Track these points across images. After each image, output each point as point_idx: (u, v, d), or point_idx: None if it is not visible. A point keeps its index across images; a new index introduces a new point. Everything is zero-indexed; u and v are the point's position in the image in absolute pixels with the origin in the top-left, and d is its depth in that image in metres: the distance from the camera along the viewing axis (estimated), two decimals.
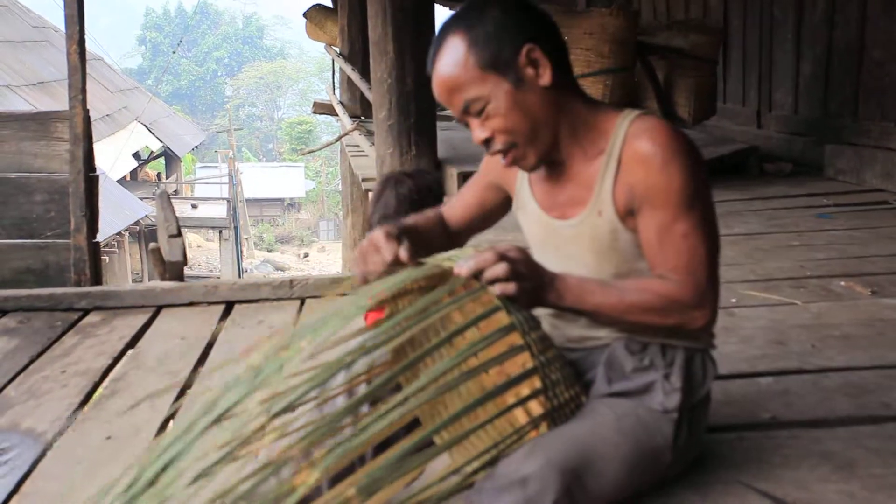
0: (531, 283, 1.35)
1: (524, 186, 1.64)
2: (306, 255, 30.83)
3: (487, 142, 1.48)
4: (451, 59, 1.43)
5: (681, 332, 1.50)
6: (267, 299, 3.41)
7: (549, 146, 1.50)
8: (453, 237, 1.79)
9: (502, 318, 1.29)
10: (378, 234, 1.45)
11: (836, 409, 1.98)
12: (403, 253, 1.41)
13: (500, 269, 1.31)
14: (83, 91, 4.15)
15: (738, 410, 1.97)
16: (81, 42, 4.18)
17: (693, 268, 1.44)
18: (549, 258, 1.53)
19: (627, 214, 1.48)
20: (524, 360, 1.30)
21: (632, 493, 1.49)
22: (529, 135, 1.46)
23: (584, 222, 1.52)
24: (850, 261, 3.41)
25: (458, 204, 1.80)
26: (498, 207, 1.77)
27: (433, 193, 2.13)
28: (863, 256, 3.47)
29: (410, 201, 2.12)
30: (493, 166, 1.71)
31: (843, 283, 3.07)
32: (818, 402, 2.02)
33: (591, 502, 1.39)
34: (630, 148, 1.45)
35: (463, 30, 1.43)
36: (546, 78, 1.44)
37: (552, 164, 1.56)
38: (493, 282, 1.32)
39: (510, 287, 1.31)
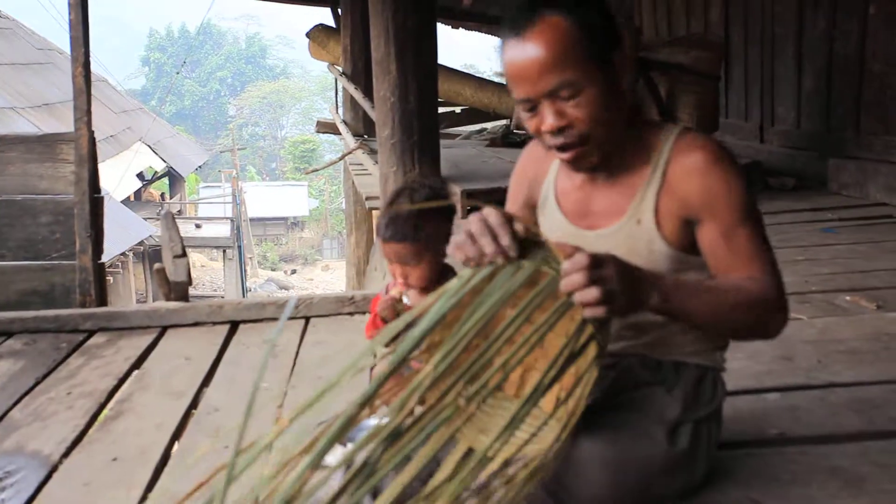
0: (625, 299, 1.26)
1: (550, 196, 1.64)
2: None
3: (560, 131, 1.43)
4: (556, 38, 1.39)
5: (762, 332, 1.47)
6: (272, 318, 3.41)
7: (613, 149, 1.49)
8: None
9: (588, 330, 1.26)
10: (493, 216, 1.29)
11: (844, 425, 1.97)
12: (521, 227, 1.29)
13: (592, 294, 1.22)
14: (88, 113, 4.17)
15: (746, 427, 1.97)
16: (87, 64, 4.20)
17: (768, 268, 1.45)
18: None
19: (677, 227, 1.48)
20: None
21: (634, 501, 1.48)
22: (605, 132, 1.45)
23: (621, 231, 1.52)
24: (855, 275, 3.40)
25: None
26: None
27: (448, 204, 2.11)
28: (867, 271, 3.46)
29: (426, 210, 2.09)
30: (520, 184, 1.71)
31: (848, 298, 3.07)
32: (826, 418, 2.01)
33: None
34: (681, 161, 1.47)
35: (570, 13, 1.40)
36: (625, 83, 1.46)
37: (591, 172, 1.56)
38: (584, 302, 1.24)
39: (600, 311, 1.23)
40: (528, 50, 1.40)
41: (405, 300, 2.00)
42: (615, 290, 1.24)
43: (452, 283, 1.25)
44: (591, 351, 1.25)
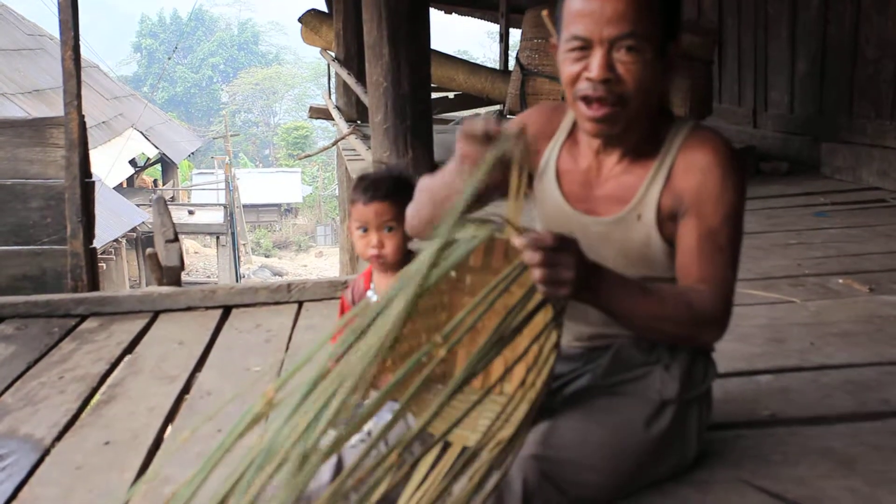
0: (573, 288, 1.27)
1: (549, 171, 1.61)
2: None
3: (604, 82, 1.40)
4: None
5: (689, 342, 1.51)
6: (265, 303, 3.40)
7: (636, 126, 1.47)
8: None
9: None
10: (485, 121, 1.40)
11: (835, 406, 1.97)
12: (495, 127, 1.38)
13: (544, 275, 1.24)
14: (78, 97, 4.14)
15: (738, 408, 1.97)
16: (76, 48, 4.17)
17: (722, 283, 1.46)
18: None
19: (668, 220, 1.48)
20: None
21: (627, 487, 1.50)
22: (641, 103, 1.43)
23: (620, 223, 1.51)
24: (848, 258, 3.41)
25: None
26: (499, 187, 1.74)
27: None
28: (860, 254, 3.47)
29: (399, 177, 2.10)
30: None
31: (840, 281, 3.07)
32: (818, 400, 2.01)
33: (578, 490, 1.41)
34: (687, 156, 1.46)
35: None
36: (674, 71, 1.46)
37: (598, 154, 1.54)
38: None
39: (547, 290, 1.25)
40: None
41: (373, 297, 2.00)
42: (566, 279, 1.26)
43: (416, 262, 1.25)
44: (545, 315, 1.26)
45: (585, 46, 1.40)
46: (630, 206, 1.50)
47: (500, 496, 1.33)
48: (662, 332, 1.45)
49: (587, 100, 1.42)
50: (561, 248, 1.25)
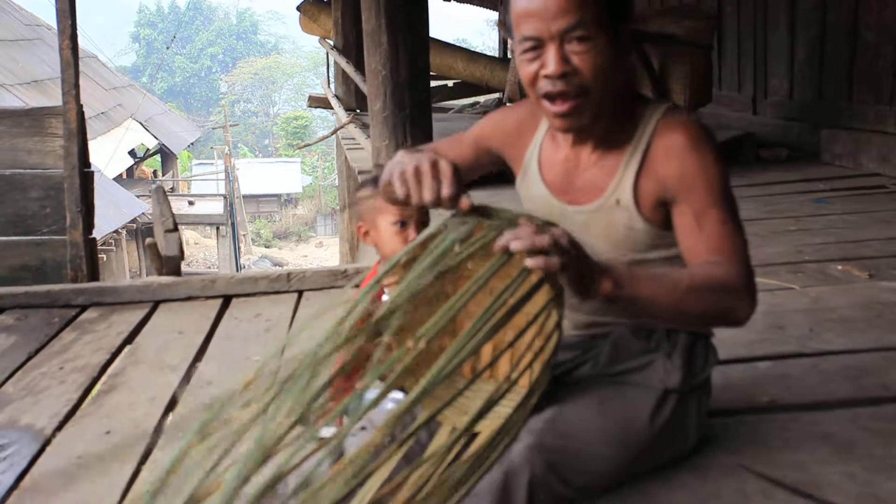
0: (574, 268, 1.21)
1: (532, 165, 1.61)
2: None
3: (562, 76, 1.39)
4: None
5: (727, 318, 1.40)
6: (265, 293, 3.41)
7: (604, 114, 1.46)
8: None
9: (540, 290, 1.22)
10: (443, 163, 1.33)
11: (835, 392, 1.98)
12: (466, 201, 1.28)
13: (545, 240, 1.17)
14: (76, 86, 4.13)
15: (738, 394, 1.97)
16: (74, 37, 4.15)
17: (735, 252, 1.42)
18: None
19: (655, 206, 1.47)
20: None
21: (628, 474, 1.51)
22: (604, 90, 1.42)
23: (601, 209, 1.51)
24: (847, 245, 3.41)
25: (449, 155, 1.59)
26: (484, 171, 1.74)
27: None
28: (860, 240, 3.47)
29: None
30: (500, 134, 1.67)
31: (840, 267, 3.07)
32: (817, 385, 2.02)
33: (582, 480, 1.42)
34: (662, 142, 1.45)
35: None
36: (630, 50, 1.46)
37: (574, 145, 1.54)
38: (533, 253, 1.18)
39: (554, 261, 1.17)
40: None
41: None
42: (569, 250, 1.20)
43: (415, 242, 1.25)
44: (543, 296, 1.21)
45: (538, 45, 1.40)
46: (608, 192, 1.49)
47: (505, 489, 1.34)
48: (693, 313, 1.37)
49: (549, 97, 1.42)
50: (562, 237, 1.21)
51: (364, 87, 5.55)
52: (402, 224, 1.91)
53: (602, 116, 1.47)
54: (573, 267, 1.20)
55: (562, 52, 1.38)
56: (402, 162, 1.37)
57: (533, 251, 1.17)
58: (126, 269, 15.91)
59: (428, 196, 1.30)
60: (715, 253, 1.41)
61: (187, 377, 2.64)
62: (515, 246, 1.17)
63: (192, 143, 24.98)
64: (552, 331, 1.24)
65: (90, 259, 4.13)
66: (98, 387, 2.62)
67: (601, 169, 1.51)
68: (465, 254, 1.21)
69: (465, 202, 1.28)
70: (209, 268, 22.79)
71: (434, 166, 1.32)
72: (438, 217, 1.32)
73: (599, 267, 1.26)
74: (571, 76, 1.39)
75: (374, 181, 1.95)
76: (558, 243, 1.18)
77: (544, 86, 1.41)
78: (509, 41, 1.48)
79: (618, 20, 1.41)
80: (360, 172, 5.59)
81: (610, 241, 1.51)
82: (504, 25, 1.50)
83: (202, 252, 25.21)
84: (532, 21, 1.39)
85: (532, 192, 1.62)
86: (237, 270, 21.15)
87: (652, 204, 1.47)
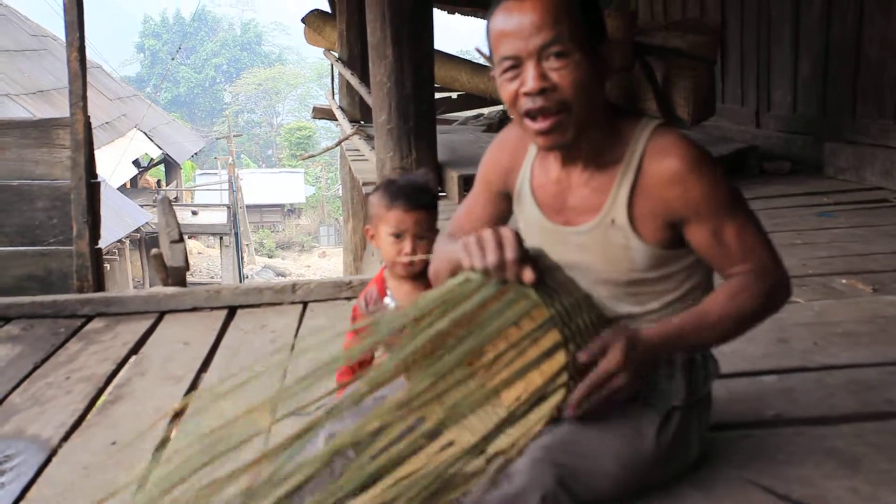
0: (635, 380, 1.40)
1: (525, 188, 1.62)
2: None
3: (541, 92, 1.40)
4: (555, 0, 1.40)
5: (770, 314, 1.55)
6: (269, 304, 3.41)
7: (587, 129, 1.46)
8: None
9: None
10: (505, 230, 1.37)
11: (839, 406, 1.98)
12: (530, 274, 1.34)
13: (619, 382, 1.38)
14: (84, 97, 4.15)
15: (743, 408, 1.98)
16: (82, 49, 4.18)
17: (759, 253, 1.50)
18: None
19: (658, 228, 1.48)
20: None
21: (635, 490, 1.51)
22: (585, 105, 1.43)
23: (596, 230, 1.51)
24: (852, 258, 3.41)
25: (472, 227, 1.68)
26: (508, 217, 1.72)
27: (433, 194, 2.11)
28: (864, 254, 3.47)
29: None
30: (494, 174, 1.67)
31: (844, 281, 3.08)
32: (822, 400, 2.02)
33: (591, 496, 1.43)
34: (656, 165, 1.45)
35: None
36: (610, 69, 1.47)
37: (564, 165, 1.54)
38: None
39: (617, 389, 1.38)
40: (525, 6, 1.40)
41: (391, 304, 2.00)
42: (621, 386, 1.38)
43: (442, 288, 1.29)
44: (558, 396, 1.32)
45: (516, 64, 1.42)
46: (602, 212, 1.50)
47: None
48: (734, 331, 1.52)
49: (531, 114, 1.43)
50: (614, 371, 1.37)
51: (369, 99, 5.57)
52: (398, 235, 1.93)
53: (586, 132, 1.47)
54: (630, 385, 1.39)
55: (540, 69, 1.40)
56: (451, 247, 1.46)
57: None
58: (129, 278, 15.92)
59: (491, 259, 1.33)
60: (740, 263, 1.49)
61: (193, 388, 2.65)
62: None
63: (195, 154, 25.04)
64: (558, 387, 1.29)
65: (96, 269, 4.14)
66: (104, 397, 2.62)
67: (593, 188, 1.51)
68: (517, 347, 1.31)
69: (528, 275, 1.34)
70: (212, 278, 22.80)
71: (496, 233, 1.36)
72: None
73: (636, 361, 1.40)
74: (551, 92, 1.40)
75: (386, 185, 1.96)
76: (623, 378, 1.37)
77: (525, 104, 1.43)
78: (492, 67, 1.50)
79: (595, 40, 1.44)
80: (364, 183, 5.60)
81: (607, 260, 1.51)
82: (483, 53, 1.53)
83: (205, 262, 25.22)
84: (509, 40, 1.41)
85: (526, 214, 1.62)
86: (240, 280, 21.17)
87: (654, 224, 1.48)
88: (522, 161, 1.64)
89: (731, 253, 1.48)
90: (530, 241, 1.60)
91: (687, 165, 1.44)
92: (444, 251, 1.58)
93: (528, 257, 1.35)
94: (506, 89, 1.45)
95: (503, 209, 1.70)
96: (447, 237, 1.70)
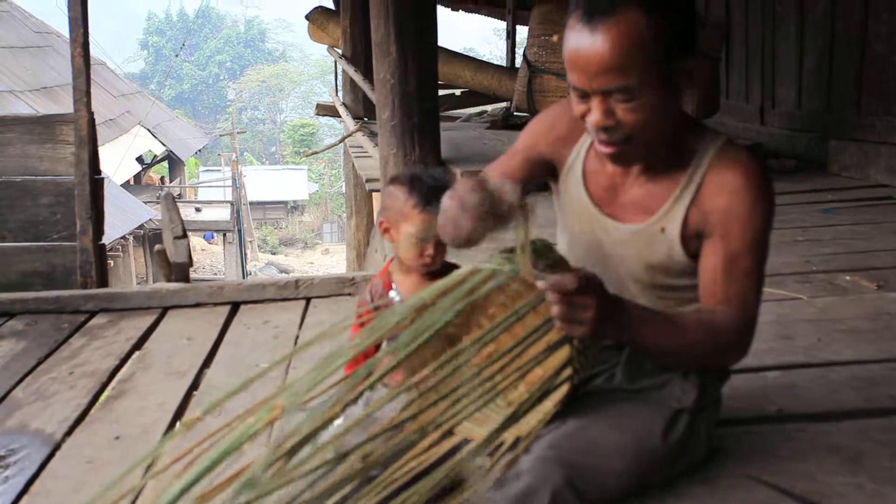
0: (597, 331, 1.27)
1: (577, 168, 1.57)
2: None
3: (605, 129, 1.36)
4: (630, 37, 1.29)
5: (710, 365, 1.50)
6: (272, 300, 3.42)
7: (657, 146, 1.43)
8: None
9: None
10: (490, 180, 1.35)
11: (843, 403, 1.97)
12: (513, 194, 1.29)
13: (563, 317, 1.25)
14: (88, 94, 4.15)
15: (746, 404, 1.97)
16: (85, 45, 4.18)
17: (747, 306, 1.43)
18: (590, 251, 1.52)
19: (693, 237, 1.45)
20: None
21: (639, 487, 1.51)
22: (652, 137, 1.39)
23: (642, 233, 1.49)
24: (856, 255, 3.40)
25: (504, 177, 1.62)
26: (542, 179, 1.66)
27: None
28: (868, 251, 3.46)
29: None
30: (544, 139, 1.60)
31: (848, 278, 3.07)
32: (825, 396, 2.02)
33: (597, 494, 1.43)
34: (718, 176, 1.42)
35: (652, 13, 1.30)
36: (688, 90, 1.39)
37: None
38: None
39: (567, 330, 1.27)
40: (595, 42, 1.30)
41: (396, 297, 1.98)
42: (585, 319, 1.25)
43: (448, 279, 1.28)
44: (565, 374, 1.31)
45: (583, 94, 1.37)
46: (654, 219, 1.47)
47: (526, 503, 1.34)
48: (685, 360, 1.46)
49: (595, 138, 1.41)
50: (582, 291, 1.24)
51: (372, 96, 5.57)
52: (423, 239, 1.89)
53: (652, 150, 1.44)
54: (594, 329, 1.27)
55: (605, 105, 1.34)
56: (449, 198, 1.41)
57: (565, 319, 1.25)
58: (133, 275, 15.96)
59: (472, 210, 1.30)
60: (729, 303, 1.43)
61: (196, 383, 2.65)
62: (554, 314, 1.25)
63: (199, 150, 25.05)
64: (563, 380, 1.29)
65: (100, 265, 4.15)
66: (107, 392, 2.63)
67: (649, 193, 1.48)
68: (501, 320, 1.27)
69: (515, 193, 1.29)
70: (215, 274, 22.83)
71: (480, 182, 1.33)
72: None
73: (625, 321, 1.32)
74: (614, 130, 1.36)
75: (413, 183, 1.93)
76: (591, 311, 1.25)
77: (590, 127, 1.39)
78: (555, 36, 1.47)
79: (678, 58, 1.34)
80: (367, 180, 5.60)
81: (644, 263, 1.50)
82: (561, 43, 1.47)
83: (208, 258, 25.25)
84: (576, 72, 1.35)
85: (571, 193, 1.59)
86: (244, 277, 21.19)
87: (692, 235, 1.46)
88: (580, 138, 1.58)
89: (727, 289, 1.42)
90: (568, 220, 1.60)
91: (744, 181, 1.40)
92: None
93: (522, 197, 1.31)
94: (575, 106, 1.40)
95: (538, 175, 1.64)
96: (469, 180, 1.66)
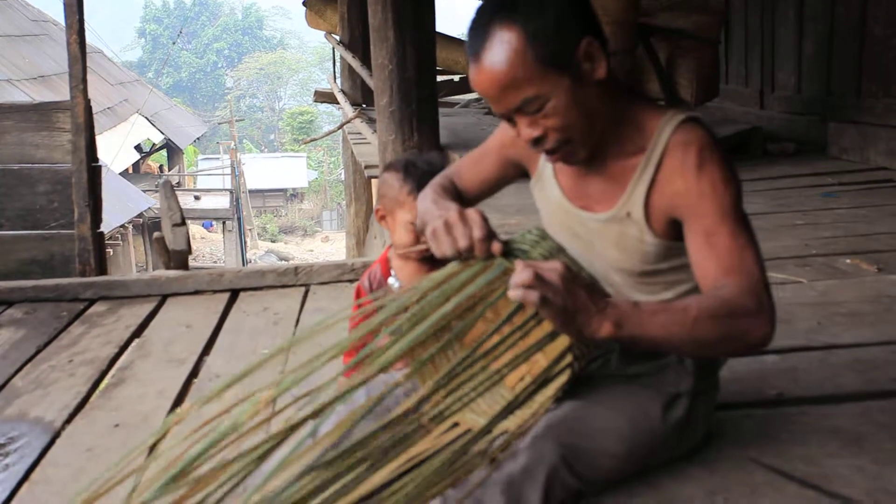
0: (564, 301, 1.18)
1: (547, 168, 1.59)
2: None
3: (538, 140, 1.39)
4: (507, 55, 1.32)
5: (740, 342, 1.32)
6: (272, 286, 3.42)
7: (600, 139, 1.44)
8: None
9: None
10: (471, 211, 1.32)
11: (843, 385, 1.97)
12: (498, 246, 1.28)
13: (527, 275, 1.17)
14: (84, 81, 4.14)
15: (745, 387, 1.97)
16: (81, 32, 4.16)
17: (747, 268, 1.36)
18: (571, 246, 1.52)
19: (661, 219, 1.44)
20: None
21: (639, 469, 1.52)
22: (585, 130, 1.39)
23: (612, 220, 1.48)
24: (856, 239, 3.40)
25: (472, 178, 1.71)
26: (513, 180, 1.71)
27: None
28: (868, 234, 3.46)
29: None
30: (514, 142, 1.61)
31: (848, 261, 3.07)
32: (826, 379, 2.02)
33: (594, 474, 1.44)
34: (672, 159, 1.41)
35: (519, 23, 1.32)
36: (601, 71, 1.37)
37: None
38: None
39: (532, 295, 1.16)
40: (483, 72, 1.35)
41: (395, 284, 1.98)
42: (555, 301, 1.18)
43: (439, 273, 1.27)
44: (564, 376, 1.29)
45: (508, 119, 1.42)
46: (619, 204, 1.47)
47: (523, 481, 1.35)
48: (703, 343, 1.30)
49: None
50: (549, 265, 1.21)
51: (370, 82, 5.55)
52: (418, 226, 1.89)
53: (601, 139, 1.44)
54: (557, 303, 1.17)
55: (527, 120, 1.38)
56: (432, 215, 1.40)
57: (517, 286, 1.17)
58: (132, 263, 15.95)
59: (462, 243, 1.28)
60: (727, 273, 1.35)
61: (195, 371, 2.65)
62: (511, 294, 1.19)
63: (197, 138, 25.01)
64: (561, 369, 1.28)
65: (98, 253, 4.14)
66: (107, 380, 2.63)
67: (611, 179, 1.48)
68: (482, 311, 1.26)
69: (496, 246, 1.28)
70: (215, 262, 22.84)
71: (462, 215, 1.31)
72: None
73: (598, 306, 1.21)
74: (545, 139, 1.39)
75: (408, 169, 1.92)
76: (541, 277, 1.17)
77: (527, 145, 1.42)
78: None
79: (570, 51, 1.35)
80: (366, 167, 5.59)
81: (622, 250, 1.50)
82: None
83: (208, 247, 25.24)
84: (489, 103, 1.41)
85: (547, 193, 1.60)
86: (243, 265, 21.19)
87: (662, 220, 1.45)
88: None
89: (719, 260, 1.36)
90: (549, 221, 1.61)
91: (698, 160, 1.39)
92: (427, 208, 1.53)
93: (494, 234, 1.30)
94: (511, 130, 1.45)
95: (509, 176, 1.70)
96: (442, 178, 1.69)
